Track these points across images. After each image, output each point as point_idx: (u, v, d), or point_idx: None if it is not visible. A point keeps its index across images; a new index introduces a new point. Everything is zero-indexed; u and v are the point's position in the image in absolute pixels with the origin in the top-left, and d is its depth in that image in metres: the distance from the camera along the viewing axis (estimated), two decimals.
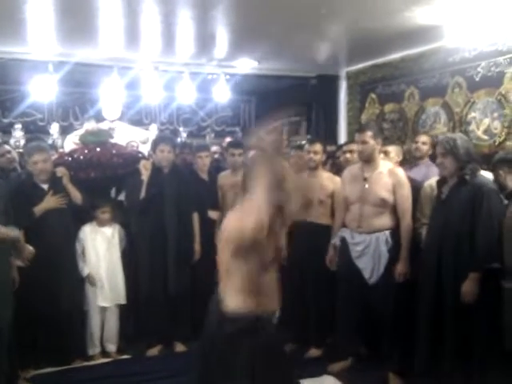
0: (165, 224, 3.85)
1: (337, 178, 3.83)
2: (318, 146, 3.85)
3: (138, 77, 5.42)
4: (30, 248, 3.26)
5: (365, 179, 3.41)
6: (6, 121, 6.82)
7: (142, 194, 3.82)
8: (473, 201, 2.86)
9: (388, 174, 3.38)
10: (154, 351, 3.92)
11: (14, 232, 2.84)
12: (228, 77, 5.82)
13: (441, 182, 3.12)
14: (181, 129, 7.65)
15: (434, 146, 3.92)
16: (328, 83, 6.08)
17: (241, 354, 1.85)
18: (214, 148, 5.77)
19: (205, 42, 4.66)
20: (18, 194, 3.42)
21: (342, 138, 6.04)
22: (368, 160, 3.41)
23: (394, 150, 3.95)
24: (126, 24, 4.06)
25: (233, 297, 1.90)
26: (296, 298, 3.76)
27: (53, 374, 3.52)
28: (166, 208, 3.86)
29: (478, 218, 2.82)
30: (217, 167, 4.91)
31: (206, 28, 4.20)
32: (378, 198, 3.34)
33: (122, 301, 3.92)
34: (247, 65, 5.53)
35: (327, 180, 3.85)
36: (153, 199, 3.83)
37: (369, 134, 3.38)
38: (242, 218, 1.84)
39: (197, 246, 3.96)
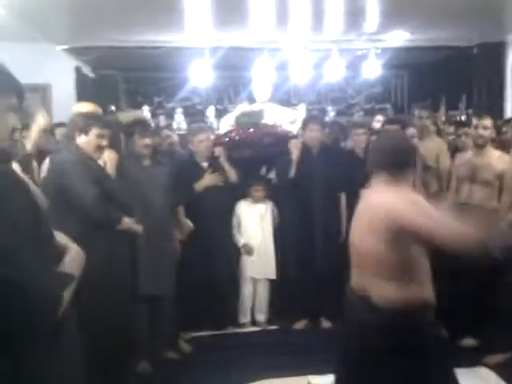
0: (313, 203, 3.90)
1: (507, 157, 3.45)
2: (488, 121, 3.46)
3: (287, 57, 5.49)
4: (189, 224, 3.55)
5: None
6: (168, 105, 7.45)
7: (292, 172, 3.89)
8: None
9: None
10: (300, 324, 4.02)
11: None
12: (379, 51, 5.61)
13: None
14: (329, 108, 7.59)
15: None
16: (492, 51, 5.52)
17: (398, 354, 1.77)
18: None
19: (354, 16, 4.54)
20: (180, 172, 3.70)
21: (509, 112, 5.46)
22: None
23: None
24: (276, 4, 4.13)
25: (386, 288, 1.80)
26: (453, 284, 3.53)
27: (208, 338, 3.82)
28: (315, 187, 3.89)
29: None
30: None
31: (355, 1, 4.08)
32: None
33: (272, 276, 4.07)
34: (399, 37, 5.26)
35: (497, 159, 3.45)
36: (301, 178, 3.88)
37: None
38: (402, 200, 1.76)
39: (343, 227, 3.93)
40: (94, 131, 2.67)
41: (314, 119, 4.11)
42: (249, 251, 4.04)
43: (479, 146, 3.47)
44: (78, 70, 5.90)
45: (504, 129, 4.01)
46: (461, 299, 3.59)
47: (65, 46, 5.31)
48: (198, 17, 4.46)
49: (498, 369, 3.22)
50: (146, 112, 6.70)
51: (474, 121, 3.54)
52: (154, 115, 6.93)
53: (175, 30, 4.86)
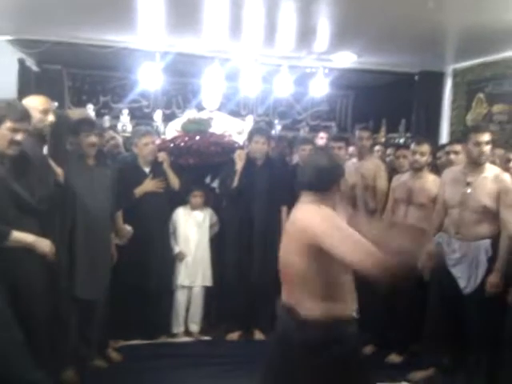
0: (253, 214, 3.93)
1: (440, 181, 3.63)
2: (425, 147, 3.62)
3: (238, 68, 5.53)
4: (129, 228, 3.49)
5: (468, 183, 3.20)
6: (115, 106, 7.30)
7: (235, 183, 3.91)
8: None
9: (493, 179, 3.15)
10: (233, 336, 4.02)
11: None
12: (327, 71, 5.76)
13: None
14: (276, 121, 7.70)
15: None
16: (432, 80, 5.80)
17: (319, 365, 1.81)
18: None
19: (306, 34, 4.65)
20: (121, 175, 3.62)
21: (444, 138, 5.75)
22: (480, 163, 3.18)
23: None
24: (230, 15, 4.16)
25: (309, 302, 1.85)
26: (379, 301, 3.65)
27: (139, 347, 3.74)
28: (256, 199, 3.93)
29: None
30: None
31: (308, 20, 4.19)
32: (480, 204, 3.13)
33: (208, 283, 4.06)
34: (347, 59, 5.43)
35: (432, 183, 3.62)
36: (244, 189, 3.91)
37: (490, 135, 3.17)
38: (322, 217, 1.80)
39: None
40: (7, 124, 2.36)
41: (260, 131, 4.15)
42: (181, 258, 4.00)
43: (416, 170, 3.63)
44: (21, 62, 5.67)
45: (439, 154, 4.22)
46: (388, 316, 3.73)
47: (8, 37, 5.10)
48: (151, 20, 4.42)
49: None
50: (90, 111, 6.53)
51: (413, 146, 3.71)
52: (99, 115, 6.77)
53: (127, 31, 4.78)
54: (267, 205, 3.95)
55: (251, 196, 3.93)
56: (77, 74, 7.25)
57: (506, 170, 3.39)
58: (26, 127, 2.44)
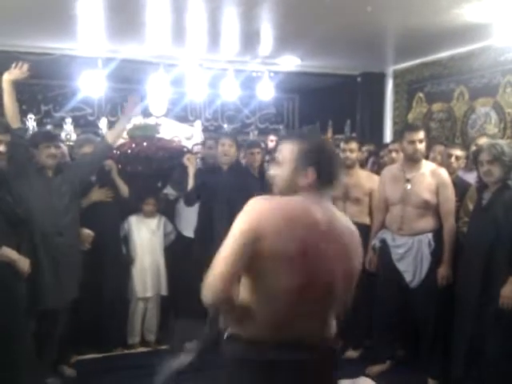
0: (214, 220, 3.77)
1: (375, 177, 3.79)
2: (353, 144, 3.83)
3: (183, 74, 5.50)
4: (87, 231, 3.39)
5: (407, 180, 3.33)
6: (57, 115, 7.08)
7: (190, 185, 3.81)
8: None
9: (431, 174, 3.30)
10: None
11: None
12: (272, 74, 5.82)
13: (481, 188, 3.02)
14: (225, 125, 7.71)
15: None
16: (373, 81, 5.98)
17: None
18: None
19: (249, 39, 4.68)
20: None
21: (388, 137, 5.93)
22: (416, 160, 3.32)
23: (463, 155, 3.68)
24: (173, 21, 4.13)
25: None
26: None
27: (94, 360, 3.64)
28: (217, 205, 3.74)
29: None
30: None
31: (250, 25, 4.21)
32: (421, 199, 3.26)
33: (164, 292, 4.00)
34: (291, 62, 5.51)
35: (364, 178, 3.82)
36: (205, 194, 3.79)
37: (423, 133, 3.32)
38: None
39: None
40: None
41: (226, 134, 4.13)
42: (131, 262, 3.91)
43: (348, 167, 3.75)
44: None
45: (382, 153, 4.35)
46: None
47: None
48: (90, 26, 4.32)
49: (378, 378, 3.44)
50: (31, 121, 6.30)
51: (342, 144, 3.85)
52: (41, 124, 6.55)
53: (67, 38, 4.66)
54: (229, 211, 3.61)
55: (212, 202, 3.76)
56: (15, 84, 6.96)
57: (448, 165, 3.54)
58: (8, 139, 2.64)
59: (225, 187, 3.70)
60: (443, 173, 3.31)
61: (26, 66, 3.12)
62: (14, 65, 3.01)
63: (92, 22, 4.18)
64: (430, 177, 3.29)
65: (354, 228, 1.64)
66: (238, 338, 1.53)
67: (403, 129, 4.07)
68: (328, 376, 1.63)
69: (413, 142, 3.28)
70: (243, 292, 1.51)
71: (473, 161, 3.15)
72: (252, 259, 1.43)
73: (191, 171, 3.88)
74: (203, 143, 4.48)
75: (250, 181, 3.85)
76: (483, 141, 4.02)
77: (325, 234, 1.50)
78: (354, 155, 3.80)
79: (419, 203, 3.27)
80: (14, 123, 3.02)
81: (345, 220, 1.64)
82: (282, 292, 1.45)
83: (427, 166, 3.35)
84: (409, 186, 3.32)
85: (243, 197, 3.58)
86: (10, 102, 3.05)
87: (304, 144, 1.58)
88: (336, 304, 1.57)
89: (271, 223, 1.44)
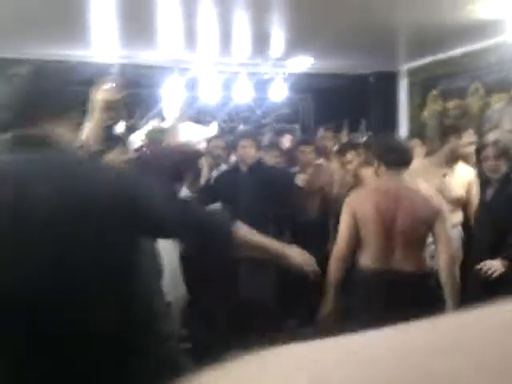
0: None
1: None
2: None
3: (197, 77, 5.56)
4: None
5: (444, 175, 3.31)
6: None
7: (201, 183, 3.81)
8: None
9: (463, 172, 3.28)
10: None
11: None
12: (285, 75, 5.84)
13: (484, 183, 3.00)
14: (241, 126, 7.72)
15: None
16: (386, 80, 5.96)
17: None
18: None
19: (261, 41, 4.70)
20: None
21: (404, 135, 5.89)
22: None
23: None
24: (185, 26, 4.18)
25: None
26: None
27: None
28: (238, 208, 3.24)
29: None
30: None
31: (262, 28, 4.24)
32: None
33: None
34: (303, 63, 5.52)
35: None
36: (224, 196, 3.48)
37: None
38: None
39: None
40: None
41: (247, 134, 3.64)
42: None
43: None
44: None
45: None
46: None
47: None
48: (104, 33, 4.40)
49: None
50: None
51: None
52: None
53: (81, 45, 4.75)
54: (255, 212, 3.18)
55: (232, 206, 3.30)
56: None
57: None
58: None
59: (245, 189, 3.35)
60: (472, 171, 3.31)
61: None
62: (107, 84, 2.49)
63: (106, 29, 4.26)
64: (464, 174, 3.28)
65: (426, 195, 2.32)
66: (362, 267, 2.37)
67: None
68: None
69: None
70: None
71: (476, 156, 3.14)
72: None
73: (204, 170, 3.92)
74: (216, 143, 4.48)
75: (274, 180, 3.41)
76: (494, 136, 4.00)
77: (395, 198, 2.28)
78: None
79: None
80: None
81: (415, 189, 2.35)
82: (374, 238, 2.31)
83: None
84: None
85: (268, 196, 3.33)
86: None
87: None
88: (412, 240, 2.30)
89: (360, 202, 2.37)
